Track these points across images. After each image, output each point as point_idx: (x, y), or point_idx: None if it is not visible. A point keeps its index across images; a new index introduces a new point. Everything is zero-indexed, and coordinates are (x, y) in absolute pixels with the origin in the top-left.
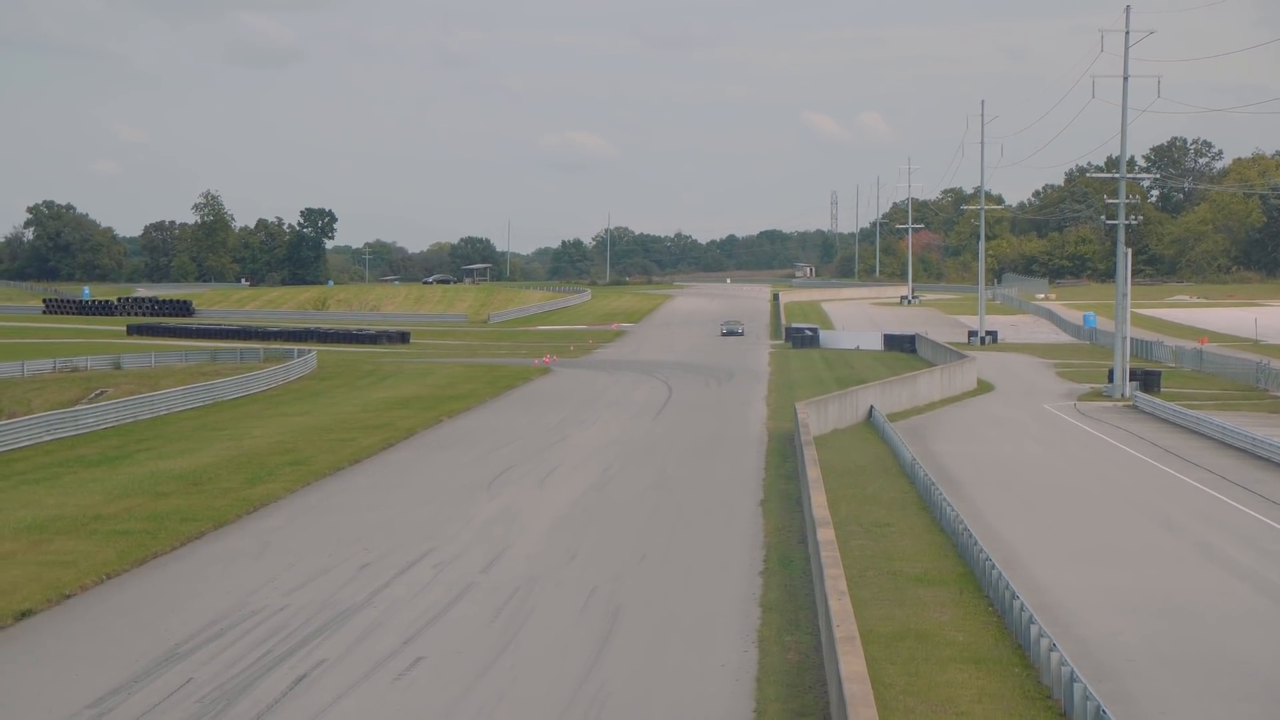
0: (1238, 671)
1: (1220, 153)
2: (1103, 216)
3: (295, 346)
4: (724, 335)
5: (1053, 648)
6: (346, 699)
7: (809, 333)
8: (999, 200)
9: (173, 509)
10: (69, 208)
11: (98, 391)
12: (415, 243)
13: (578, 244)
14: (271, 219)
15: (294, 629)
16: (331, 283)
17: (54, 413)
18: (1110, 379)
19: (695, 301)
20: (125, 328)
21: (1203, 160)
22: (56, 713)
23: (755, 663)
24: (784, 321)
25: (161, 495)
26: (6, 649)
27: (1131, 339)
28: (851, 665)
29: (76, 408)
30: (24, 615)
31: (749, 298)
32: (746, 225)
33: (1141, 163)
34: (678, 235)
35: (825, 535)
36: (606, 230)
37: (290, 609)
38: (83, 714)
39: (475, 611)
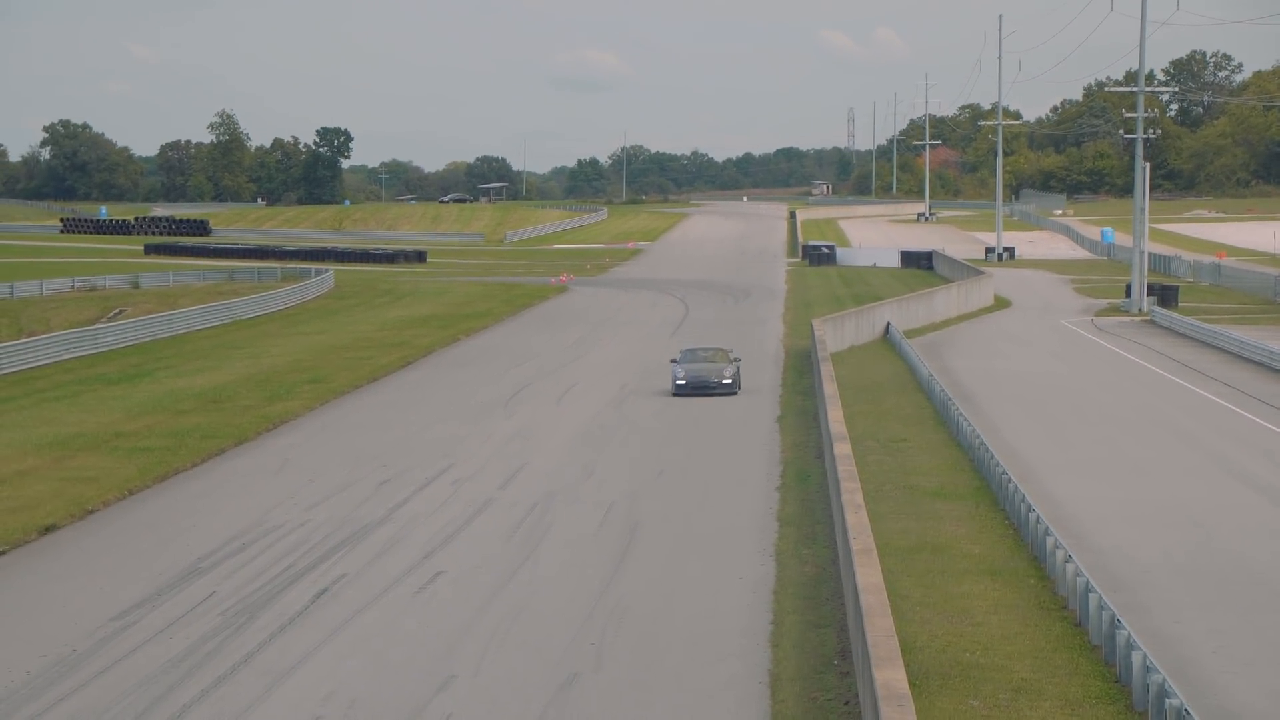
0: (1252, 582)
1: (1240, 65)
2: (1121, 131)
3: (312, 266)
4: (677, 392)
5: (1068, 559)
6: (367, 612)
7: (826, 250)
8: (1016, 116)
9: (193, 426)
10: (85, 127)
11: (116, 310)
12: (431, 162)
13: (594, 163)
14: (287, 138)
15: (314, 544)
16: (348, 202)
17: (73, 331)
18: (1128, 294)
19: (712, 220)
20: (142, 247)
21: (1222, 73)
22: (82, 625)
23: (773, 575)
24: (801, 239)
25: (182, 413)
26: (31, 563)
27: (1149, 254)
28: (868, 577)
29: (96, 326)
30: (48, 530)
31: (766, 216)
32: (763, 143)
33: (1160, 76)
34: (694, 153)
35: (842, 450)
36: (622, 149)
37: (310, 524)
38: (108, 625)
39: (494, 527)
